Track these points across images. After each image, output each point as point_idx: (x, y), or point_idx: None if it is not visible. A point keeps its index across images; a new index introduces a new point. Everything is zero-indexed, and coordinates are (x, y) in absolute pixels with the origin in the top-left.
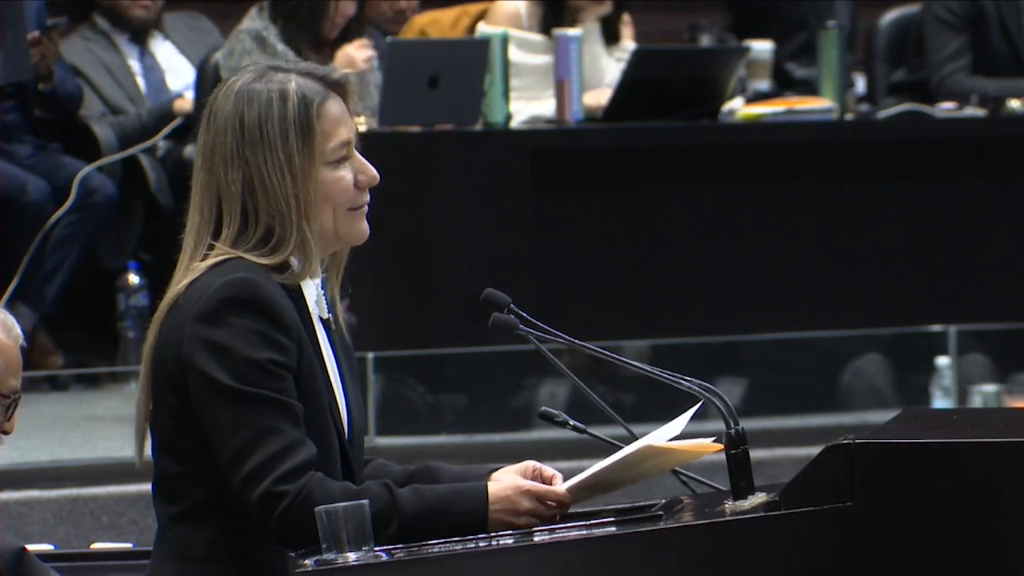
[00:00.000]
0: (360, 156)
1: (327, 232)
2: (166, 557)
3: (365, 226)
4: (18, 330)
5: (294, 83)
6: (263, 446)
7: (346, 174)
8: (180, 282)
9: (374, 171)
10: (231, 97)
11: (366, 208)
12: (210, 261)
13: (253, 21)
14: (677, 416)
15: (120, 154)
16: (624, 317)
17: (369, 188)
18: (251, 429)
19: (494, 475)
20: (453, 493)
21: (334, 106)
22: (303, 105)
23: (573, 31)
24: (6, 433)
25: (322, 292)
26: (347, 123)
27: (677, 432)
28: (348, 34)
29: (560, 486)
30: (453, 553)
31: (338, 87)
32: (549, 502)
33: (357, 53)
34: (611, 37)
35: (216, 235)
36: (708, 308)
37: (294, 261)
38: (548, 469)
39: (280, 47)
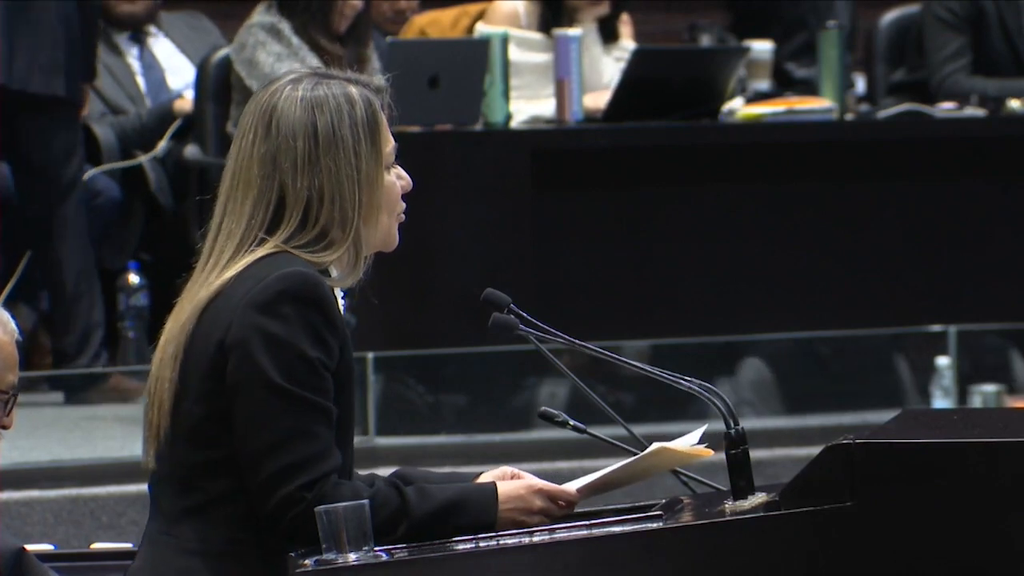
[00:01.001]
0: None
1: (375, 237)
2: (177, 552)
3: (397, 235)
4: (13, 326)
5: (353, 88)
6: (295, 449)
7: (396, 179)
8: (222, 275)
9: (409, 178)
10: (296, 104)
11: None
12: (258, 254)
13: (263, 15)
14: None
15: (126, 162)
16: (624, 317)
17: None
18: (287, 429)
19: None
20: (462, 494)
21: (382, 113)
22: (370, 109)
23: (573, 31)
24: (5, 428)
25: (343, 300)
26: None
27: (693, 442)
28: (355, 31)
29: (571, 486)
30: (453, 553)
31: (380, 95)
32: (560, 501)
33: None
34: (609, 37)
35: (269, 235)
36: (708, 308)
37: (334, 270)
38: (525, 474)
39: (295, 40)
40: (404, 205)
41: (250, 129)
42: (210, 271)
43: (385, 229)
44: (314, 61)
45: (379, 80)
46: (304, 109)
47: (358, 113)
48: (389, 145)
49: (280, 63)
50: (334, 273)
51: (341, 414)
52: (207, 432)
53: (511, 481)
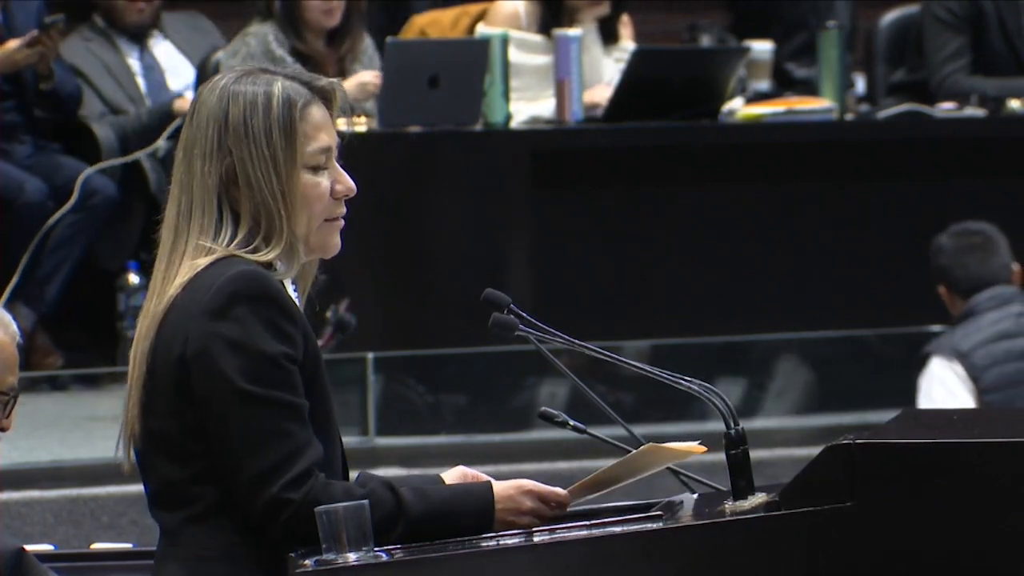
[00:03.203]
0: (339, 166)
1: (308, 238)
2: (181, 560)
3: (338, 240)
4: (14, 327)
5: (279, 84)
6: (271, 450)
7: (323, 180)
8: (171, 282)
9: (351, 182)
10: (215, 93)
11: (342, 222)
12: (204, 260)
13: (256, 26)
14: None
15: (123, 158)
16: (624, 317)
17: (346, 200)
18: (259, 433)
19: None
20: (458, 494)
21: (317, 111)
22: (287, 105)
23: (573, 31)
24: (4, 430)
25: (295, 295)
26: (329, 130)
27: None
28: (345, 26)
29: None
30: (453, 553)
31: (323, 93)
32: (551, 503)
33: (370, 78)
34: (609, 37)
35: (194, 228)
36: (708, 308)
37: (278, 263)
38: (481, 475)
39: (279, 51)
40: (343, 209)
41: (185, 117)
42: (158, 266)
43: (305, 234)
44: (298, 68)
45: (325, 80)
46: (220, 99)
47: (274, 108)
48: (314, 144)
49: None
50: (279, 267)
51: (317, 405)
52: (187, 448)
53: (502, 481)
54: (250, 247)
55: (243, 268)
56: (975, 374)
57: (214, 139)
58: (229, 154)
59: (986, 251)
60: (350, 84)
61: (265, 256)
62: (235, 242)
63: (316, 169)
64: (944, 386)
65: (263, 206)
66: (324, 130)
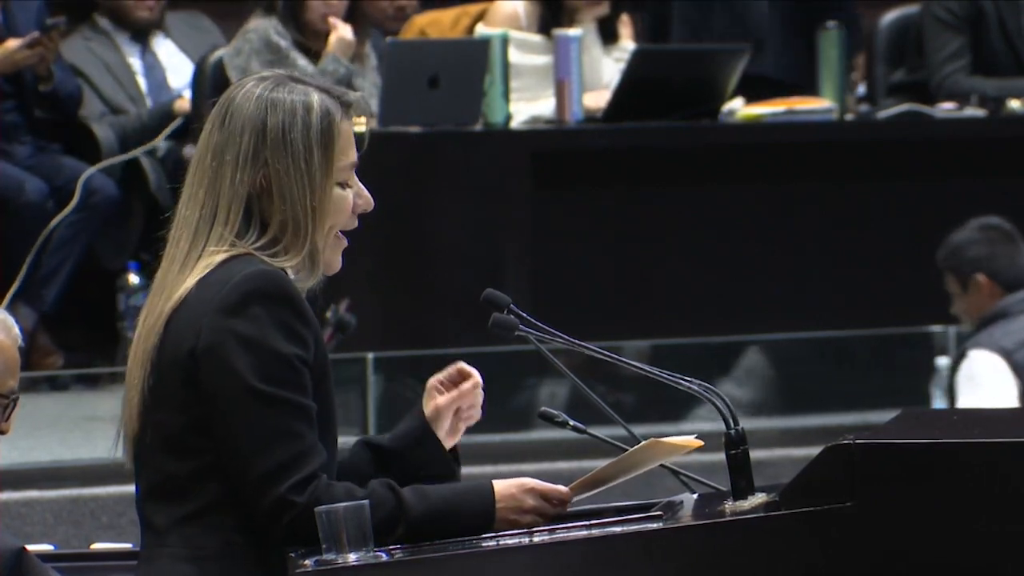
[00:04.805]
0: (358, 181)
1: (326, 251)
2: (173, 560)
3: (340, 260)
4: (16, 330)
5: (316, 96)
6: (279, 450)
7: (348, 195)
8: (184, 278)
9: (371, 197)
10: (251, 100)
11: (346, 241)
12: (219, 257)
13: (259, 21)
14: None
15: (122, 156)
16: (624, 317)
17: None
18: (268, 432)
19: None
20: (459, 493)
21: (347, 126)
22: (326, 119)
23: (573, 31)
24: (3, 433)
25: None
26: (354, 145)
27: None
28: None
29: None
30: (453, 553)
31: (350, 109)
32: (553, 500)
33: (345, 31)
34: (609, 37)
35: (215, 231)
36: (708, 308)
37: (292, 272)
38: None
39: (283, 44)
40: (355, 224)
41: (210, 120)
42: (169, 266)
43: (329, 246)
44: (302, 61)
45: (354, 94)
46: (257, 106)
47: (313, 121)
48: (345, 160)
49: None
50: (291, 276)
51: (321, 408)
52: (190, 442)
53: (504, 480)
54: (269, 252)
55: (261, 267)
56: (1019, 373)
57: (250, 147)
58: (265, 164)
59: (1017, 247)
60: (331, 40)
61: (281, 263)
62: (255, 245)
63: (343, 184)
64: (993, 367)
65: (291, 218)
66: (351, 145)
